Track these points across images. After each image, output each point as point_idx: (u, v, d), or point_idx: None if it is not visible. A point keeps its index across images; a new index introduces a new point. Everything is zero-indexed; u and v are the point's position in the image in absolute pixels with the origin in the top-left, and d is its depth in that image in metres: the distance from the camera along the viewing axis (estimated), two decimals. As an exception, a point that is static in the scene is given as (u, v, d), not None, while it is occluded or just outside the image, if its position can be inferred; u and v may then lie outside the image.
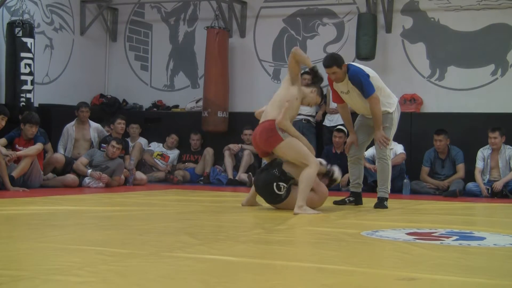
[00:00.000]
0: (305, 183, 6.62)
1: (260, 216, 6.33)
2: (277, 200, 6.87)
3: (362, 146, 7.69)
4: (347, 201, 7.65)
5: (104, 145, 10.66)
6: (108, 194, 8.98)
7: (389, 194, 7.55)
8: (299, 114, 11.57)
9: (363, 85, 7.21)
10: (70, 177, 9.99)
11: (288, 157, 6.81)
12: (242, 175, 11.50)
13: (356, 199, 7.67)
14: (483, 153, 10.21)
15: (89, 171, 10.04)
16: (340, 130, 10.92)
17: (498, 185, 9.86)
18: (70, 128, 11.05)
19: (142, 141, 12.31)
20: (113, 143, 10.28)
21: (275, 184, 6.79)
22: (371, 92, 7.22)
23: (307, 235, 5.14)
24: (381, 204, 7.44)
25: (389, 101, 7.50)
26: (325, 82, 11.51)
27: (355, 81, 7.23)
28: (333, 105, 11.52)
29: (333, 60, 7.22)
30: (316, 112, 11.71)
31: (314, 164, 6.70)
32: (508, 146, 10.15)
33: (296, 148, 6.78)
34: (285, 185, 6.77)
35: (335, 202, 7.67)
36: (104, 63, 13.71)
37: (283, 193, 6.79)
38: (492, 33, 11.31)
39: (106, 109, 13.01)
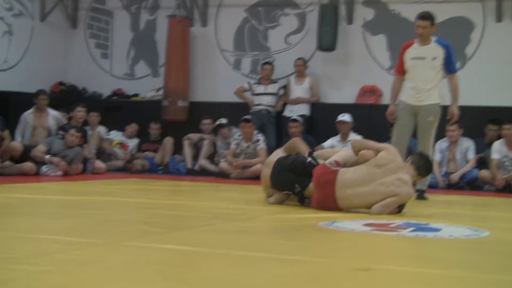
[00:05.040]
0: (361, 143, 6.41)
1: (219, 206, 6.33)
2: (292, 187, 6.26)
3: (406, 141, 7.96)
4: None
5: (61, 132, 10.54)
6: (66, 182, 8.91)
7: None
8: (259, 105, 11.62)
9: (452, 59, 7.75)
10: (28, 165, 9.87)
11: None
12: (202, 162, 11.45)
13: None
14: (440, 145, 10.32)
15: (47, 156, 9.92)
16: (295, 120, 10.87)
17: (455, 177, 9.99)
18: (28, 115, 10.90)
19: (101, 129, 12.21)
20: (72, 131, 10.18)
21: (304, 162, 6.24)
22: (456, 69, 7.97)
23: (265, 225, 5.16)
24: (421, 196, 7.79)
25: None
26: (285, 73, 11.71)
27: (448, 50, 7.71)
28: (293, 95, 11.58)
29: (430, 16, 7.76)
30: (277, 103, 11.70)
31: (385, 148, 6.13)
32: (465, 139, 10.28)
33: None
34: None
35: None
36: (64, 50, 13.55)
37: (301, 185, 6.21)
38: (452, 26, 11.40)
39: (65, 97, 12.87)
